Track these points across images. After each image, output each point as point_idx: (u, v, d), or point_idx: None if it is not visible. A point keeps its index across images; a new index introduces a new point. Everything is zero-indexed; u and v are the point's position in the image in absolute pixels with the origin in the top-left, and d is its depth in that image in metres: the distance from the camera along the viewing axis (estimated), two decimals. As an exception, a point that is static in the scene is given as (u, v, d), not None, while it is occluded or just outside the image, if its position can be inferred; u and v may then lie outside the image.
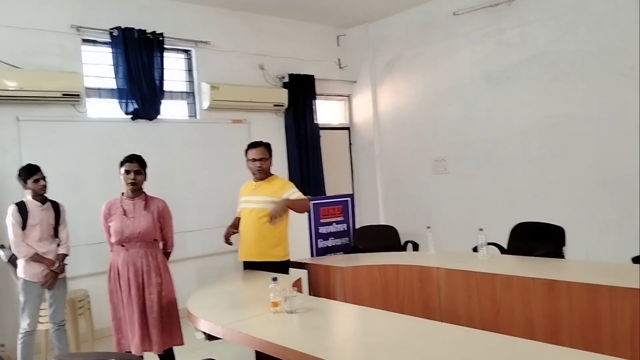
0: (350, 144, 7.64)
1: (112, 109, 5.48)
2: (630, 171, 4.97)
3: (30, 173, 3.85)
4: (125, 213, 3.46)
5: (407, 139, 6.96)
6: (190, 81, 6.12)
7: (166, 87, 5.76)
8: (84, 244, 4.75)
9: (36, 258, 3.82)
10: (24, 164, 3.99)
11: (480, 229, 3.89)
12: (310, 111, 6.88)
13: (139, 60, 5.46)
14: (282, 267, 3.95)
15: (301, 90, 6.77)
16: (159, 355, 3.52)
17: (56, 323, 3.95)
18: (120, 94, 5.43)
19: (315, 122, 6.93)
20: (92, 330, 4.74)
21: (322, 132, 7.04)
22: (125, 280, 3.41)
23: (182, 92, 6.10)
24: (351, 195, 5.85)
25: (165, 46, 5.71)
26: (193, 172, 5.91)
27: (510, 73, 5.84)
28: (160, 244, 3.63)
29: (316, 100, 6.95)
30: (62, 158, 5.03)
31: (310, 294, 4.12)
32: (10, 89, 4.71)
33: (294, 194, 3.94)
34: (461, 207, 6.34)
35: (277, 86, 6.69)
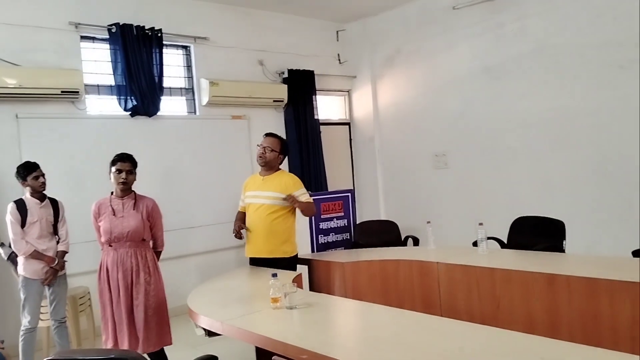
0: (350, 139, 7.64)
1: (111, 106, 5.48)
2: (631, 164, 4.96)
3: (29, 170, 3.86)
4: (114, 213, 3.45)
5: (407, 133, 6.95)
6: (190, 77, 6.11)
7: (165, 83, 5.75)
8: (84, 240, 4.74)
9: (36, 255, 3.82)
10: (24, 161, 3.99)
11: (480, 224, 3.90)
12: (310, 107, 6.86)
13: (138, 57, 5.45)
14: (291, 262, 3.94)
15: (301, 86, 6.76)
16: (149, 355, 3.52)
17: (57, 320, 3.96)
18: (119, 90, 5.42)
19: (315, 117, 6.92)
20: (94, 327, 4.75)
21: (322, 128, 7.03)
22: (115, 280, 3.41)
23: (181, 89, 6.09)
24: (351, 191, 5.84)
25: (164, 42, 5.70)
26: (193, 169, 5.90)
27: (510, 67, 5.82)
28: (151, 243, 3.62)
29: (316, 96, 6.94)
30: (62, 155, 5.03)
31: (310, 290, 4.12)
32: (9, 86, 4.71)
33: (303, 195, 3.91)
34: (461, 201, 6.34)
35: (276, 82, 6.68)
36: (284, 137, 6.66)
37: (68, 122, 5.13)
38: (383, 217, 6.93)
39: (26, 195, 3.91)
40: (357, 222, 5.68)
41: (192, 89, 6.09)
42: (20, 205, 3.85)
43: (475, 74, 6.14)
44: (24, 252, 3.81)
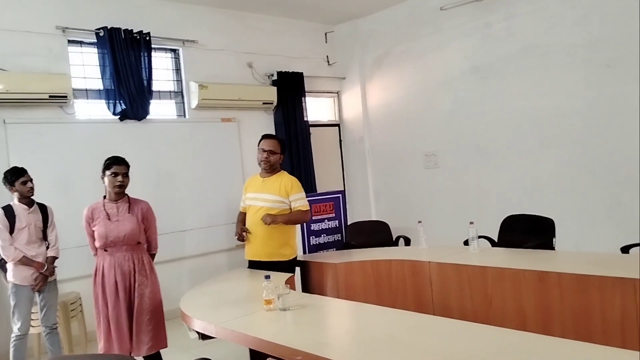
0: (340, 140, 7.65)
1: (100, 110, 5.45)
2: (619, 162, 5.02)
3: (17, 175, 3.82)
4: (109, 217, 3.41)
5: (397, 134, 6.97)
6: (179, 80, 6.09)
7: (154, 87, 5.72)
8: (74, 246, 4.71)
9: (25, 261, 3.79)
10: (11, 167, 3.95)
11: (471, 223, 3.92)
12: (299, 108, 6.87)
13: (126, 61, 5.42)
14: (290, 265, 3.93)
15: (290, 88, 6.76)
16: (146, 358, 3.49)
17: (48, 326, 3.93)
18: (107, 94, 5.39)
19: (304, 119, 6.92)
20: (85, 332, 4.71)
21: (312, 129, 7.04)
22: (112, 284, 3.37)
23: (170, 92, 6.07)
24: (342, 192, 5.85)
25: (153, 46, 5.67)
26: (183, 172, 5.88)
27: (499, 66, 5.87)
28: (145, 246, 3.60)
29: (305, 98, 6.94)
30: (51, 160, 4.99)
31: (303, 291, 4.12)
32: (-4, 91, 4.66)
33: (299, 201, 3.88)
34: (452, 201, 6.37)
35: (266, 84, 6.68)
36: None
37: (56, 127, 5.10)
38: (374, 218, 6.95)
39: (14, 201, 3.88)
40: (349, 223, 5.69)
41: (182, 92, 6.07)
42: (8, 211, 3.82)
43: (465, 74, 6.18)
44: (13, 259, 3.77)
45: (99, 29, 5.32)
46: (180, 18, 6.00)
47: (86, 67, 5.40)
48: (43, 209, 3.98)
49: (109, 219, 3.40)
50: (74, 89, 5.16)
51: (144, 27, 5.59)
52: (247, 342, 2.46)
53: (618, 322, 2.80)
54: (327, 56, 7.45)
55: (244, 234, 3.94)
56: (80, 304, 4.71)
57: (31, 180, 3.88)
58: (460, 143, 6.28)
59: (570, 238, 4.86)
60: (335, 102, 7.64)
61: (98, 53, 5.38)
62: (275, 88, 6.61)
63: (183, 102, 6.08)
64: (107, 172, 3.41)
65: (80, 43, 5.38)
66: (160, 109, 5.94)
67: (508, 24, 5.75)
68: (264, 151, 3.91)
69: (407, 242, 5.36)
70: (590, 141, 5.23)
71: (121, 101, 5.40)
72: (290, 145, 6.70)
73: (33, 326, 4.04)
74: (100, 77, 5.37)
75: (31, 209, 3.90)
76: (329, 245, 5.39)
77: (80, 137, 5.21)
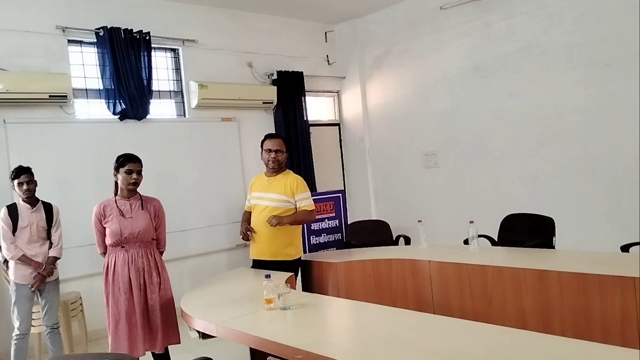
0: (340, 140, 7.65)
1: (100, 110, 5.45)
2: (618, 160, 5.03)
3: (15, 175, 3.82)
4: (122, 213, 3.39)
5: (397, 133, 6.98)
6: (178, 80, 6.10)
7: (154, 86, 5.72)
8: (75, 245, 4.72)
9: (24, 260, 3.80)
10: (12, 167, 3.95)
11: (471, 222, 3.92)
12: (299, 108, 6.87)
13: (126, 60, 5.43)
14: (294, 265, 3.93)
15: (290, 87, 6.77)
16: (155, 355, 3.51)
17: (49, 326, 3.94)
18: (107, 94, 5.39)
19: (305, 118, 6.92)
20: (86, 332, 4.71)
21: (312, 129, 7.04)
22: (126, 281, 3.35)
23: (170, 91, 6.07)
24: (342, 191, 5.87)
25: (152, 45, 5.67)
26: (183, 172, 5.88)
27: (498, 65, 5.87)
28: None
29: (305, 97, 6.94)
30: (51, 160, 4.99)
31: (303, 290, 4.13)
32: (-4, 91, 4.67)
33: (304, 200, 3.87)
34: (452, 200, 6.38)
35: (265, 83, 6.68)
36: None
37: (56, 126, 5.10)
38: (374, 217, 6.95)
39: (19, 200, 3.88)
40: (349, 223, 5.70)
41: (181, 91, 6.07)
42: (12, 210, 3.83)
43: (464, 73, 6.18)
44: (13, 257, 3.78)
45: (98, 29, 5.32)
46: (180, 18, 6.00)
47: (86, 67, 5.40)
48: (48, 208, 3.96)
49: (122, 216, 3.38)
50: (74, 89, 5.16)
51: (144, 26, 5.60)
52: (248, 341, 2.47)
53: (618, 320, 2.81)
54: (327, 56, 7.45)
55: (248, 233, 3.94)
56: (81, 304, 4.71)
57: (31, 181, 3.84)
58: (460, 142, 6.29)
59: (570, 237, 4.87)
60: (335, 101, 7.64)
61: (98, 53, 5.38)
62: (275, 87, 6.61)
63: (183, 102, 6.08)
64: (122, 170, 3.39)
65: (80, 43, 5.38)
66: (160, 109, 5.94)
67: (507, 24, 5.76)
68: (272, 151, 3.88)
69: (407, 241, 5.36)
70: (590, 140, 5.23)
71: (121, 101, 5.40)
72: (290, 145, 6.69)
73: (34, 326, 4.04)
74: (100, 76, 5.38)
75: (34, 208, 3.89)
76: (329, 245, 5.41)
77: (80, 136, 5.22)
